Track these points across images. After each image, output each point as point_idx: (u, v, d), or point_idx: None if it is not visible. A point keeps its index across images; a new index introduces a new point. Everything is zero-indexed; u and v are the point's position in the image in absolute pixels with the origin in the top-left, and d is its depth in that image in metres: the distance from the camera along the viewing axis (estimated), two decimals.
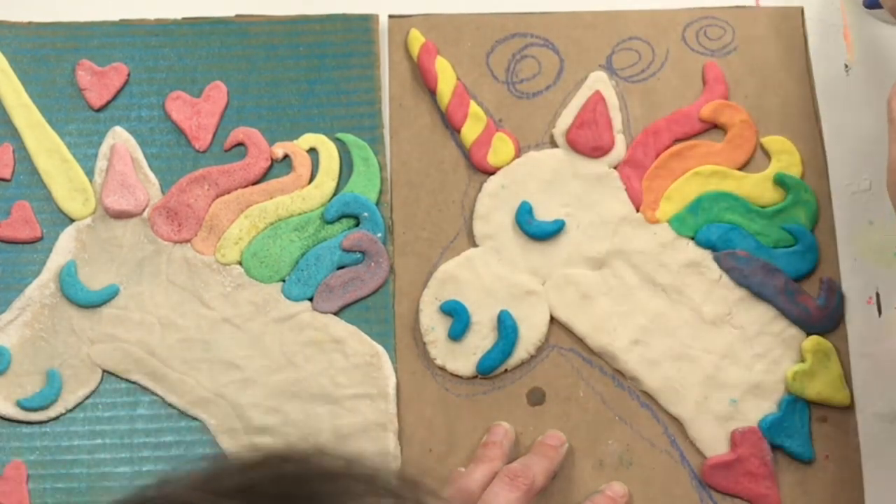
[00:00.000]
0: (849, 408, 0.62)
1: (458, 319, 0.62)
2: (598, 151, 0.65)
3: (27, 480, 0.60)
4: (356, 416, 0.61)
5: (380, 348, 0.62)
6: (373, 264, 0.63)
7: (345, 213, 0.64)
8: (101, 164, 0.65)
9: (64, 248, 0.63)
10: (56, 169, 0.64)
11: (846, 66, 0.67)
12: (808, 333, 0.63)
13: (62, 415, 0.61)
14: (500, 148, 0.65)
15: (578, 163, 0.65)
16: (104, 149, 0.65)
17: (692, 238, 0.64)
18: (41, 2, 0.68)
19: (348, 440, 0.61)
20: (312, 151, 0.65)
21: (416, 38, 0.67)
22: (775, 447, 0.61)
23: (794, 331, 0.63)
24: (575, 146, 0.65)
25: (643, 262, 0.64)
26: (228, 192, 0.64)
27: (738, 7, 0.68)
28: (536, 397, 0.62)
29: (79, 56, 0.66)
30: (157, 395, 0.62)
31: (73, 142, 0.65)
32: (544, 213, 0.64)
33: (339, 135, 0.66)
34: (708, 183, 0.65)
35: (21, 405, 0.61)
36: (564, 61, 0.67)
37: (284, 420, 0.61)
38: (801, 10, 0.68)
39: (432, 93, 0.66)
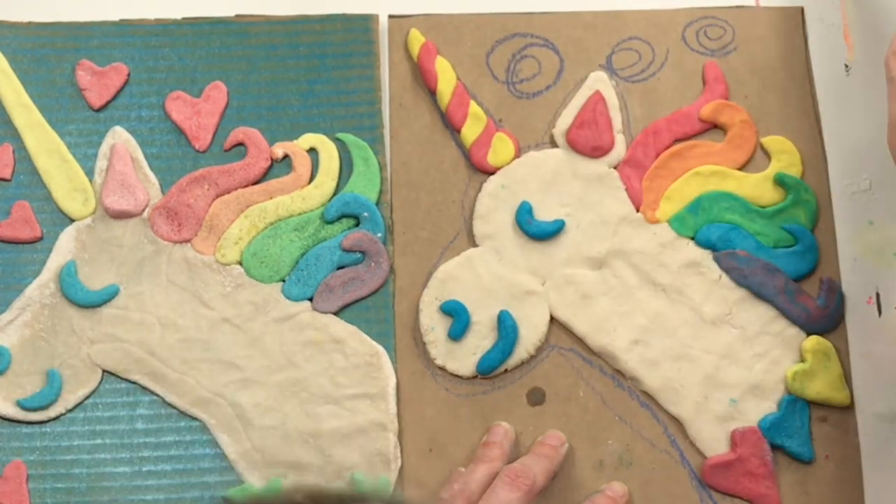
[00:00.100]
0: (849, 408, 0.62)
1: (458, 319, 0.62)
2: (598, 151, 0.65)
3: (27, 480, 0.60)
4: (356, 416, 0.61)
5: (380, 348, 0.62)
6: (373, 264, 0.63)
7: (345, 213, 0.64)
8: (101, 164, 0.65)
9: (64, 248, 0.63)
10: (56, 169, 0.64)
11: (846, 66, 0.67)
12: (808, 333, 0.63)
13: (62, 415, 0.61)
14: (500, 148, 0.65)
15: (578, 163, 0.65)
16: (104, 149, 0.65)
17: (692, 238, 0.64)
18: (41, 2, 0.68)
19: (348, 440, 0.61)
20: (312, 151, 0.65)
21: (416, 38, 0.67)
22: (775, 447, 0.61)
23: (794, 331, 0.63)
24: (575, 146, 0.65)
25: (643, 262, 0.64)
26: (228, 192, 0.64)
27: (738, 7, 0.68)
28: (536, 397, 0.62)
29: (79, 56, 0.66)
30: (157, 395, 0.62)
31: (73, 142, 0.65)
32: (544, 213, 0.64)
33: (339, 135, 0.66)
34: (708, 183, 0.65)
35: (21, 405, 0.61)
36: (564, 61, 0.67)
37: (284, 420, 0.61)
38: (801, 10, 0.68)
39: (432, 93, 0.66)
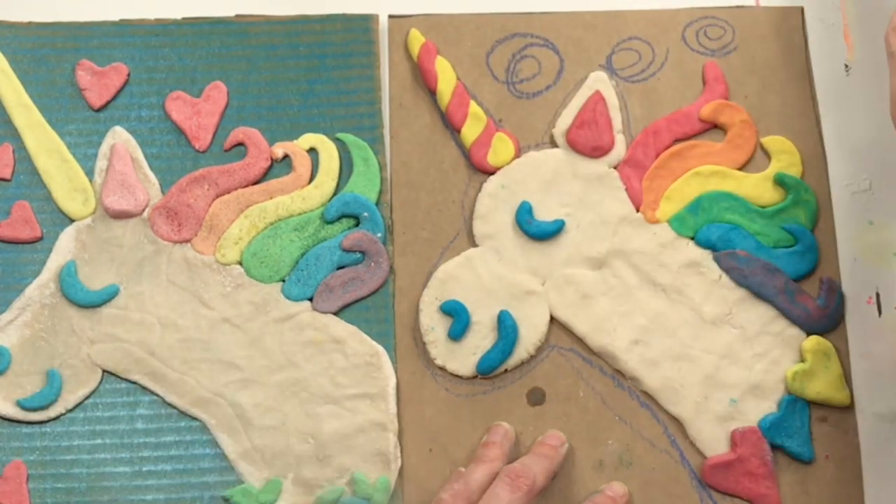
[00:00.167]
0: (849, 408, 0.62)
1: (458, 319, 0.62)
2: (598, 151, 0.65)
3: (27, 480, 0.60)
4: (356, 416, 0.61)
5: (380, 348, 0.62)
6: (373, 264, 0.63)
7: (345, 213, 0.64)
8: (101, 163, 0.65)
9: (64, 248, 0.63)
10: (56, 169, 0.64)
11: (846, 66, 0.67)
12: (808, 333, 0.63)
13: (62, 415, 0.61)
14: (500, 148, 0.65)
15: (578, 163, 0.65)
16: (104, 149, 0.65)
17: (692, 238, 0.64)
18: (41, 2, 0.68)
19: (348, 440, 0.61)
20: (312, 151, 0.65)
21: (416, 38, 0.67)
22: (775, 447, 0.61)
23: (794, 331, 0.63)
24: (575, 146, 0.65)
25: (643, 262, 0.64)
26: (228, 192, 0.64)
27: (738, 7, 0.68)
28: (536, 397, 0.62)
29: (79, 56, 0.66)
30: (157, 395, 0.62)
31: (73, 142, 0.65)
32: (544, 213, 0.64)
33: (339, 135, 0.66)
34: (708, 183, 0.65)
35: (21, 405, 0.61)
36: (564, 61, 0.67)
37: (284, 420, 0.61)
38: (801, 10, 0.68)
39: (432, 93, 0.66)
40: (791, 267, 0.63)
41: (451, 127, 0.66)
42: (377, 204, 0.65)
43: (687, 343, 0.63)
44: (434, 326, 0.63)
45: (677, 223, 0.64)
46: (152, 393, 0.62)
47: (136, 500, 0.60)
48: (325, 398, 0.62)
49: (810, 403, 0.62)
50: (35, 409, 0.61)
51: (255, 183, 0.65)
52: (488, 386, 0.63)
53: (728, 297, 0.63)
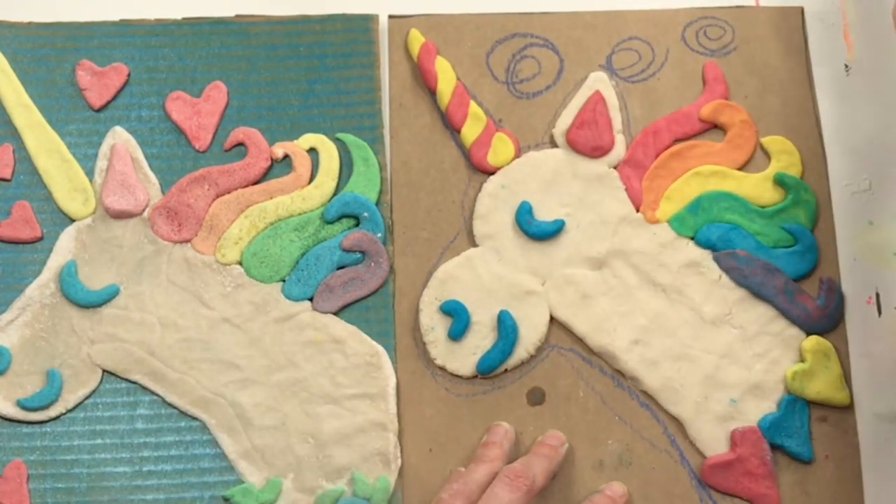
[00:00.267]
0: (848, 408, 0.62)
1: (458, 319, 0.62)
2: (598, 151, 0.65)
3: (27, 480, 0.60)
4: (356, 416, 0.61)
5: (380, 348, 0.62)
6: (373, 264, 0.63)
7: (345, 213, 0.64)
8: (101, 164, 0.65)
9: (64, 248, 0.63)
10: (56, 169, 0.65)
11: (846, 66, 0.67)
12: (808, 333, 0.63)
13: (62, 415, 0.61)
14: (500, 148, 0.65)
15: (578, 163, 0.65)
16: (104, 149, 0.65)
17: (692, 238, 0.64)
18: (41, 2, 0.68)
19: (348, 440, 0.61)
20: (312, 151, 0.66)
21: (416, 38, 0.67)
22: (775, 447, 0.61)
23: (793, 331, 0.63)
24: (575, 146, 0.65)
25: (643, 262, 0.64)
26: (228, 192, 0.64)
27: (738, 7, 0.68)
28: (536, 397, 0.62)
29: (79, 56, 0.66)
30: (157, 394, 0.62)
31: (73, 142, 0.65)
32: (544, 213, 0.64)
33: (339, 135, 0.66)
34: (708, 183, 0.65)
35: (21, 405, 0.61)
36: (564, 61, 0.67)
37: (284, 420, 0.61)
38: (801, 10, 0.68)
39: (432, 93, 0.66)
40: (791, 267, 0.63)
41: (451, 127, 0.66)
42: (377, 204, 0.65)
43: (687, 343, 0.63)
44: (434, 326, 0.63)
45: (677, 223, 0.64)
46: (152, 393, 0.62)
47: (136, 499, 0.60)
48: (325, 398, 0.62)
49: (810, 403, 0.62)
50: (35, 409, 0.61)
51: (255, 183, 0.65)
52: (488, 386, 0.63)
53: (728, 297, 0.63)
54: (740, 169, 0.65)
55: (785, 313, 0.63)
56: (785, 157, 0.65)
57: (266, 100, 0.66)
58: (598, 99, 0.66)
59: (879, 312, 0.63)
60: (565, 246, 0.64)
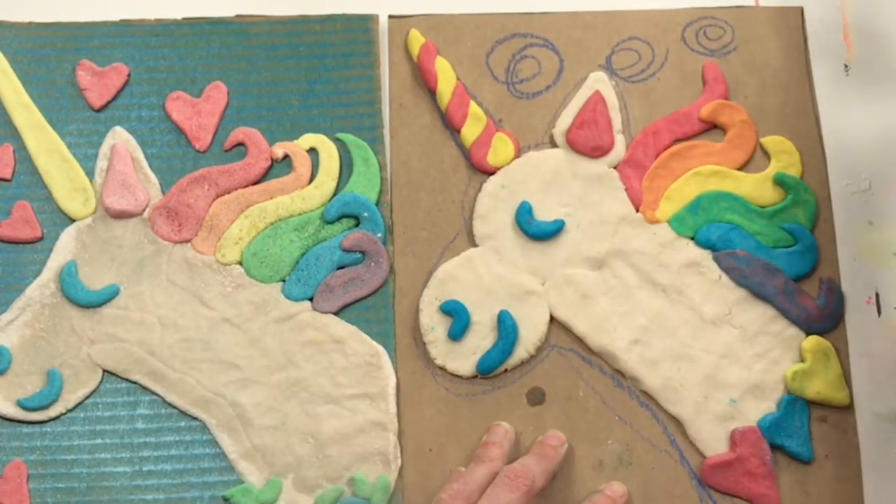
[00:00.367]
0: (848, 408, 0.62)
1: (458, 319, 0.62)
2: (597, 151, 0.65)
3: (27, 480, 0.60)
4: (356, 416, 0.61)
5: (380, 348, 0.62)
6: (373, 264, 0.63)
7: (345, 213, 0.64)
8: (101, 164, 0.65)
9: (64, 247, 0.63)
10: (56, 169, 0.65)
11: (846, 66, 0.67)
12: (808, 333, 0.63)
13: (62, 414, 0.61)
14: (500, 148, 0.65)
15: (578, 163, 0.65)
16: (104, 149, 0.65)
17: (692, 238, 0.64)
18: (41, 2, 0.68)
19: (348, 440, 0.61)
20: (312, 151, 0.66)
21: (416, 38, 0.67)
22: (775, 447, 0.61)
23: (793, 331, 0.63)
24: (575, 146, 0.65)
25: (643, 262, 0.64)
26: (228, 192, 0.64)
27: (738, 7, 0.68)
28: (536, 397, 0.63)
29: (79, 56, 0.66)
30: (157, 394, 0.62)
31: (73, 142, 0.65)
32: (544, 213, 0.64)
33: (339, 135, 0.66)
34: (708, 183, 0.65)
35: (21, 405, 0.61)
36: (564, 61, 0.67)
37: (284, 420, 0.61)
38: (801, 10, 0.68)
39: (432, 93, 0.66)
40: (791, 267, 0.63)
41: (451, 127, 0.66)
42: (377, 204, 0.65)
43: (687, 343, 0.63)
44: (434, 326, 0.63)
45: (677, 223, 0.64)
46: (152, 393, 0.62)
47: (136, 499, 0.60)
48: (325, 398, 0.62)
49: (810, 403, 0.62)
50: (35, 409, 0.61)
51: (256, 183, 0.65)
52: (488, 386, 0.63)
53: (728, 297, 0.63)
54: (740, 169, 0.65)
55: (785, 313, 0.63)
56: (785, 157, 0.65)
57: (266, 100, 0.66)
58: (597, 99, 0.66)
59: (879, 312, 0.63)
60: (565, 246, 0.64)
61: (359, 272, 0.63)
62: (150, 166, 0.65)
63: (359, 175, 0.65)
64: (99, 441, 0.61)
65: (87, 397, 0.62)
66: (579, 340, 0.63)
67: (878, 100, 0.65)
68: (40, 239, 0.64)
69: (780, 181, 0.65)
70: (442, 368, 0.63)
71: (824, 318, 0.63)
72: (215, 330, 0.63)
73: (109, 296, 0.63)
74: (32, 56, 0.67)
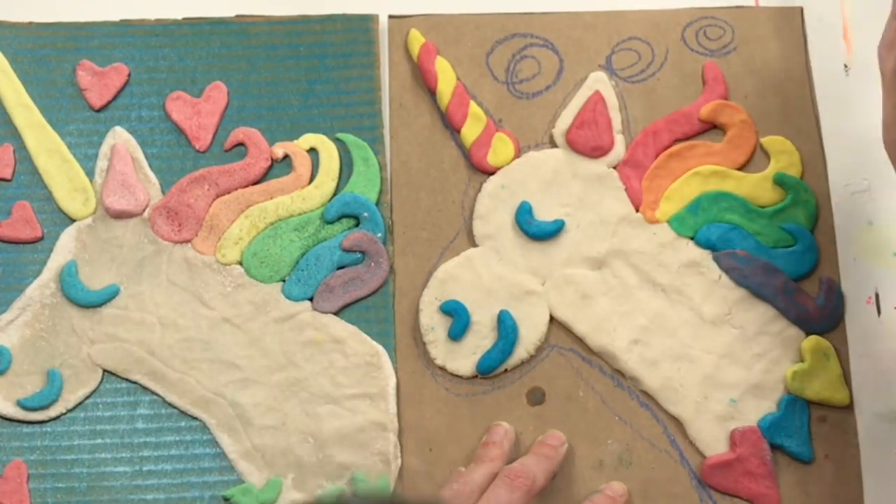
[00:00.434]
0: (848, 408, 0.62)
1: (458, 319, 0.62)
2: (597, 151, 0.65)
3: (28, 480, 0.60)
4: (356, 416, 0.61)
5: (380, 348, 0.62)
6: (373, 264, 0.63)
7: (345, 213, 0.64)
8: (101, 164, 0.65)
9: (64, 247, 0.63)
10: (56, 169, 0.65)
11: (846, 66, 0.67)
12: (808, 333, 0.63)
13: (62, 414, 0.61)
14: (500, 148, 0.65)
15: (578, 163, 0.65)
16: (104, 149, 0.65)
17: (692, 238, 0.64)
18: (41, 2, 0.68)
19: (348, 440, 0.61)
20: (312, 151, 0.66)
21: (416, 38, 0.67)
22: (775, 447, 0.61)
23: (793, 330, 0.63)
24: (575, 146, 0.65)
25: (643, 262, 0.64)
26: (228, 192, 0.64)
27: (737, 7, 0.68)
28: (536, 397, 0.63)
29: (79, 56, 0.66)
30: (157, 394, 0.62)
31: (73, 142, 0.65)
32: (544, 213, 0.64)
33: (339, 135, 0.66)
34: (707, 183, 0.65)
35: (21, 405, 0.61)
36: (564, 61, 0.67)
37: (284, 420, 0.61)
38: (801, 10, 0.68)
39: (432, 93, 0.66)
40: (790, 267, 0.63)
41: (451, 127, 0.66)
42: (377, 204, 0.65)
43: (687, 343, 0.63)
44: (434, 326, 0.63)
45: (677, 223, 0.64)
46: (153, 393, 0.62)
47: (136, 499, 0.60)
48: (325, 398, 0.62)
49: (810, 403, 0.62)
50: (35, 409, 0.61)
51: (256, 183, 0.65)
52: (488, 386, 0.63)
53: (728, 297, 0.63)
54: (740, 169, 0.65)
55: (785, 313, 0.63)
56: (785, 157, 0.65)
57: (266, 100, 0.66)
58: (597, 99, 0.66)
59: (879, 312, 0.63)
60: (565, 246, 0.64)
61: (359, 272, 0.63)
62: (150, 166, 0.65)
63: (359, 175, 0.65)
64: (99, 441, 0.61)
65: (87, 397, 0.62)
66: (579, 340, 0.63)
67: (877, 100, 0.65)
68: (40, 239, 0.64)
69: (780, 181, 0.65)
70: (442, 368, 0.63)
71: (824, 318, 0.63)
72: (215, 330, 0.63)
73: (109, 296, 0.63)
74: (32, 56, 0.67)
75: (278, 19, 0.68)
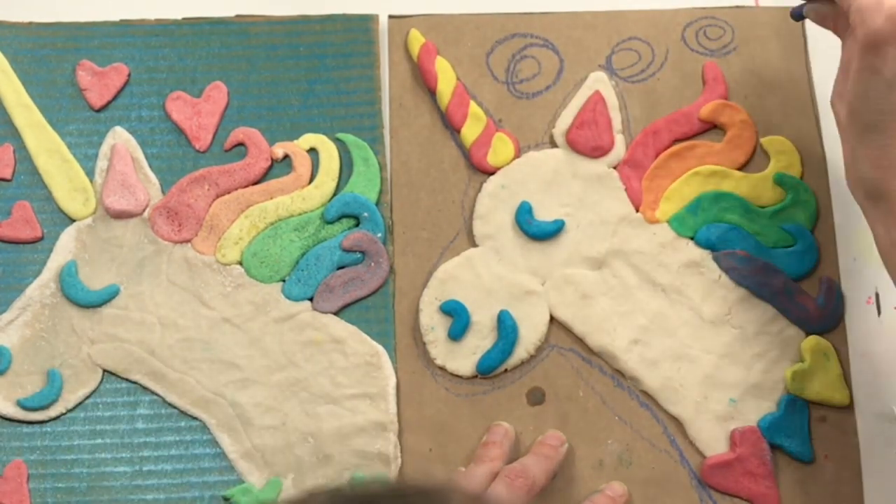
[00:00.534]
0: (848, 408, 0.62)
1: (458, 319, 0.62)
2: (597, 151, 0.65)
3: (28, 480, 0.60)
4: (356, 416, 0.61)
5: (380, 348, 0.62)
6: (373, 264, 0.63)
7: (345, 213, 0.64)
8: (101, 164, 0.65)
9: (64, 247, 0.63)
10: (56, 169, 0.65)
11: None
12: (808, 333, 0.63)
13: (62, 414, 0.61)
14: (500, 148, 0.65)
15: (578, 163, 0.65)
16: (104, 149, 0.65)
17: (692, 238, 0.64)
18: (41, 2, 0.68)
19: (348, 440, 0.61)
20: (312, 151, 0.66)
21: (416, 38, 0.67)
22: (774, 447, 0.61)
23: (793, 330, 0.63)
24: (575, 146, 0.65)
25: (643, 262, 0.64)
26: (229, 192, 0.64)
27: (737, 7, 0.68)
28: (536, 397, 0.63)
29: (79, 56, 0.66)
30: (157, 394, 0.62)
31: (73, 142, 0.65)
32: (544, 213, 0.64)
33: (339, 135, 0.66)
34: (707, 183, 0.65)
35: (21, 405, 0.61)
36: (564, 61, 0.67)
37: (284, 420, 0.61)
38: None
39: (432, 93, 0.66)
40: (790, 267, 0.63)
41: (451, 127, 0.66)
42: (377, 204, 0.65)
43: (686, 343, 0.63)
44: (434, 326, 0.63)
45: (677, 223, 0.64)
46: (153, 393, 0.62)
47: (136, 499, 0.61)
48: (325, 398, 0.62)
49: (810, 403, 0.62)
50: (35, 409, 0.61)
51: (256, 183, 0.65)
52: (488, 386, 0.63)
53: (727, 296, 0.63)
54: (740, 169, 0.65)
55: (784, 313, 0.63)
56: (785, 157, 0.65)
57: (266, 100, 0.66)
58: (597, 99, 0.66)
59: (879, 312, 0.63)
60: (565, 246, 0.64)
61: (359, 272, 0.63)
62: (150, 166, 0.65)
63: (359, 175, 0.65)
64: (99, 441, 0.61)
65: (87, 397, 0.62)
66: (579, 340, 0.63)
67: None
68: (40, 239, 0.64)
69: (780, 181, 0.65)
70: (442, 368, 0.63)
71: (824, 317, 0.63)
72: (215, 330, 0.63)
73: (109, 296, 0.63)
74: (32, 56, 0.67)
75: (278, 19, 0.68)
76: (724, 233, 0.64)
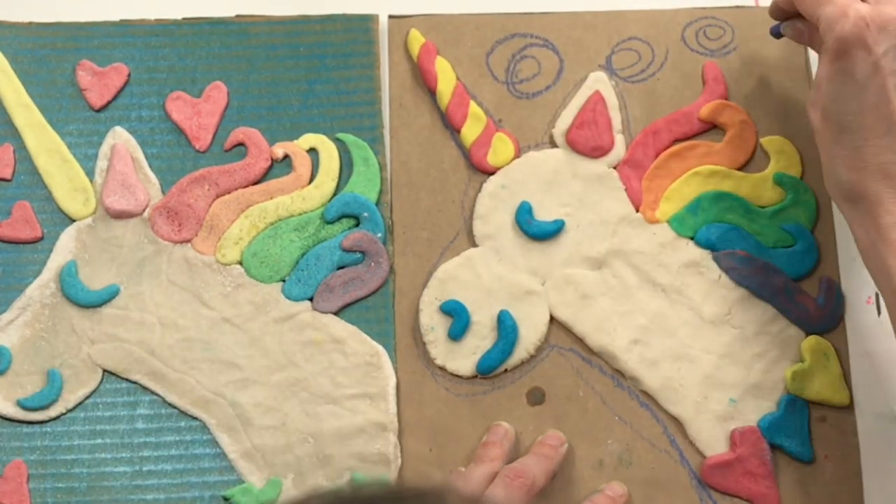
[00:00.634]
0: (848, 408, 0.62)
1: (457, 319, 0.62)
2: (597, 151, 0.65)
3: (28, 480, 0.60)
4: (356, 416, 0.61)
5: (380, 348, 0.62)
6: (373, 264, 0.63)
7: (345, 213, 0.64)
8: (101, 164, 0.65)
9: (64, 247, 0.63)
10: (56, 169, 0.65)
11: None
12: (808, 333, 0.63)
13: (62, 414, 0.61)
14: (500, 148, 0.65)
15: (578, 163, 0.65)
16: (104, 149, 0.65)
17: (692, 238, 0.64)
18: (41, 2, 0.68)
19: (348, 440, 0.61)
20: (312, 151, 0.66)
21: (416, 39, 0.67)
22: (775, 447, 0.61)
23: (793, 330, 0.63)
24: (575, 146, 0.65)
25: (643, 262, 0.64)
26: (229, 192, 0.64)
27: (737, 7, 0.68)
28: (536, 397, 0.63)
29: (79, 56, 0.66)
30: (157, 394, 0.62)
31: (73, 142, 0.65)
32: (544, 213, 0.64)
33: (339, 135, 0.66)
34: (707, 183, 0.65)
35: (21, 405, 0.61)
36: (564, 61, 0.67)
37: (284, 420, 0.61)
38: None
39: (432, 93, 0.66)
40: (790, 267, 0.63)
41: (451, 127, 0.66)
42: (377, 204, 0.65)
43: (686, 343, 0.63)
44: (434, 326, 0.63)
45: (677, 223, 0.64)
46: (153, 393, 0.62)
47: (136, 499, 0.61)
48: (325, 398, 0.62)
49: (809, 403, 0.62)
50: (35, 409, 0.61)
51: (256, 183, 0.65)
52: (488, 386, 0.63)
53: (727, 296, 0.63)
54: (740, 169, 0.65)
55: (784, 313, 0.63)
56: (784, 157, 0.65)
57: (266, 100, 0.66)
58: (597, 99, 0.66)
59: (879, 312, 0.63)
60: (565, 246, 0.64)
61: (359, 272, 0.63)
62: (150, 166, 0.65)
63: (359, 175, 0.65)
64: (99, 441, 0.61)
65: (87, 397, 0.62)
66: (579, 340, 0.63)
67: None
68: (40, 239, 0.64)
69: (780, 181, 0.65)
70: (442, 368, 0.63)
71: (824, 317, 0.63)
72: (215, 330, 0.63)
73: (109, 296, 0.63)
74: (32, 56, 0.67)
75: (278, 19, 0.68)
76: (724, 233, 0.64)
